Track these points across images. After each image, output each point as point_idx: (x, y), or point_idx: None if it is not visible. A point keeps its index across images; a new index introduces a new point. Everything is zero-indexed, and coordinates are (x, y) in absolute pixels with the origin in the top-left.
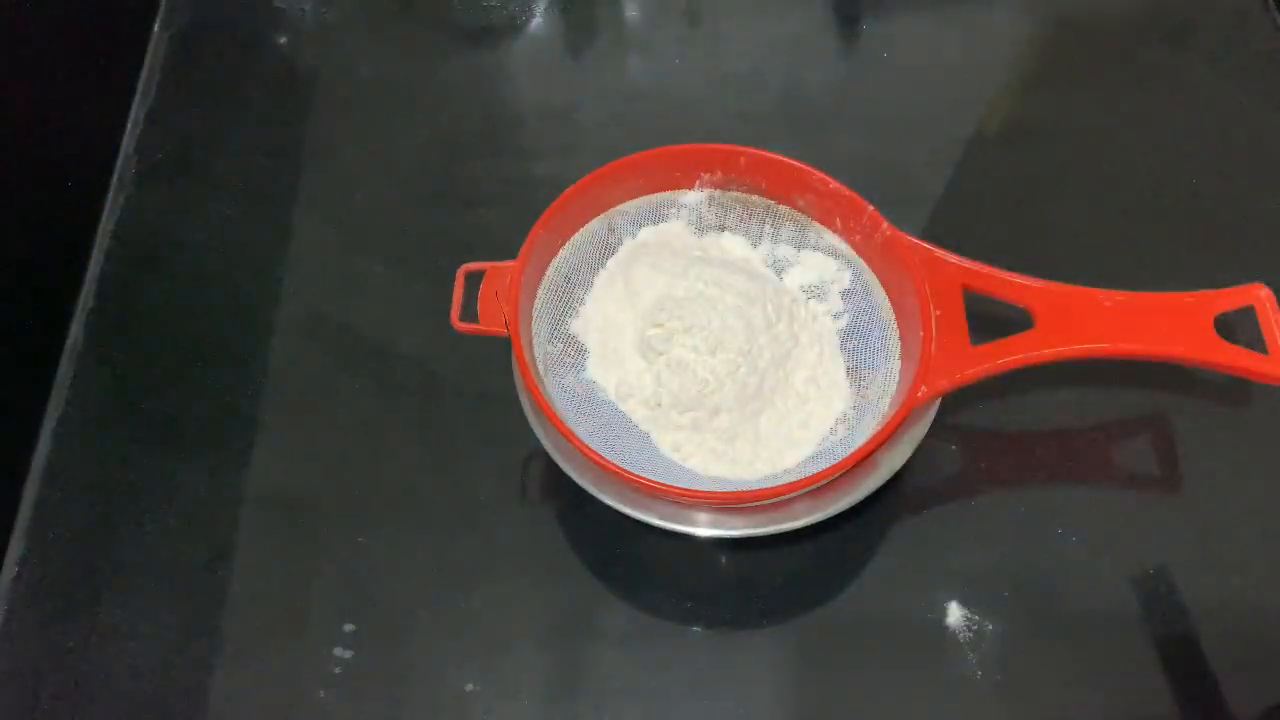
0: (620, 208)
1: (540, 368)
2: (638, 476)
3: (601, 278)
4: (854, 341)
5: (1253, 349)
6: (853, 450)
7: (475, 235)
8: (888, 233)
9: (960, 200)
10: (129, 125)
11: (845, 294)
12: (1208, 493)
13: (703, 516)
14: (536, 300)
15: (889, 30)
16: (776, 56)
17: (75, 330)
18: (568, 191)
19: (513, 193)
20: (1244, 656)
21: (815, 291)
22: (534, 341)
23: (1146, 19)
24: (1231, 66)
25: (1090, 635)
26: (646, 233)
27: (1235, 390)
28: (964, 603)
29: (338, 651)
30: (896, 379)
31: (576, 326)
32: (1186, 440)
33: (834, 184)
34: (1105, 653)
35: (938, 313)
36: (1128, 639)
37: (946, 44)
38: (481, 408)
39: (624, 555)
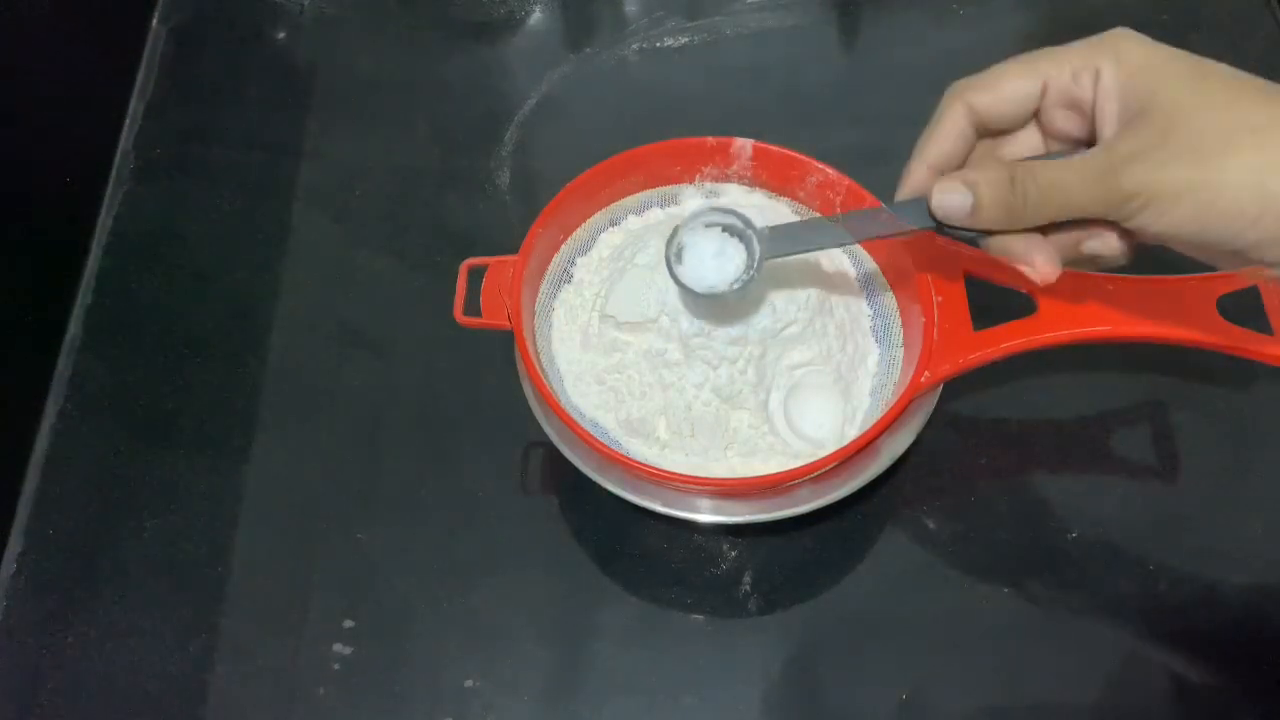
0: (621, 202)
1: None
2: (641, 464)
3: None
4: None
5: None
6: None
7: (474, 231)
8: None
9: None
10: (127, 120)
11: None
12: (1209, 485)
13: (705, 503)
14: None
15: (888, 23)
16: (776, 50)
17: (74, 326)
18: (569, 186)
19: (512, 188)
20: (1244, 651)
21: None
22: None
23: (1145, 17)
24: (1231, 64)
25: (1090, 628)
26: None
27: (1236, 380)
28: (963, 593)
29: (337, 648)
30: (899, 365)
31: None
32: (1188, 432)
33: (834, 173)
34: (1105, 645)
35: (939, 299)
36: (1127, 632)
37: (945, 37)
38: (480, 403)
39: (624, 548)
